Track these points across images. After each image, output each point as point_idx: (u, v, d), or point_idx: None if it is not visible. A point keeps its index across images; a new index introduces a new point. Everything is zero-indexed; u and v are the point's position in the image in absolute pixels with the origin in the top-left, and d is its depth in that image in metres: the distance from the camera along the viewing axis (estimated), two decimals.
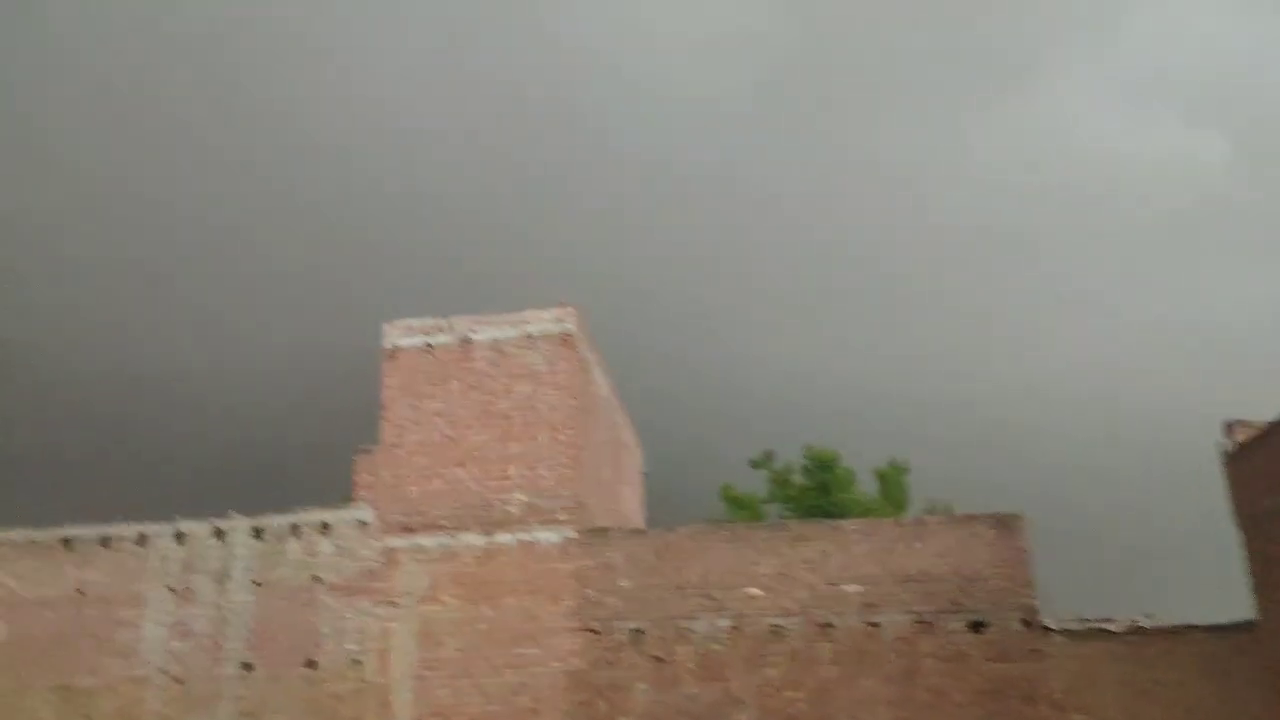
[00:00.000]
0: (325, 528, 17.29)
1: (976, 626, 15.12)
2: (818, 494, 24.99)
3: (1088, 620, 15.09)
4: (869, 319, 56.79)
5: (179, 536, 17.69)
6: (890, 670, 15.08)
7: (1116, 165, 55.95)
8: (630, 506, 22.94)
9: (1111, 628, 14.90)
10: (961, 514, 17.23)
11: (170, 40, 53.86)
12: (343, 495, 17.82)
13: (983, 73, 58.48)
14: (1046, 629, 14.96)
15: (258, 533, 17.47)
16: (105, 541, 17.85)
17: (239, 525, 17.59)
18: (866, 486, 26.25)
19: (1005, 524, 15.70)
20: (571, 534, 16.39)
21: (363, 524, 17.20)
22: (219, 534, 17.58)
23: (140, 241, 54.09)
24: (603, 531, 16.84)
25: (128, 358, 52.60)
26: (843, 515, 22.51)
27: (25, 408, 51.33)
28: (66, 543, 17.93)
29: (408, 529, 16.94)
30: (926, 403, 50.46)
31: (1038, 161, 57.40)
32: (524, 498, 16.74)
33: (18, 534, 18.16)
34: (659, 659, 15.57)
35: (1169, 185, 53.67)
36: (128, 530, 17.85)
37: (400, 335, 18.09)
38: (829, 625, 15.42)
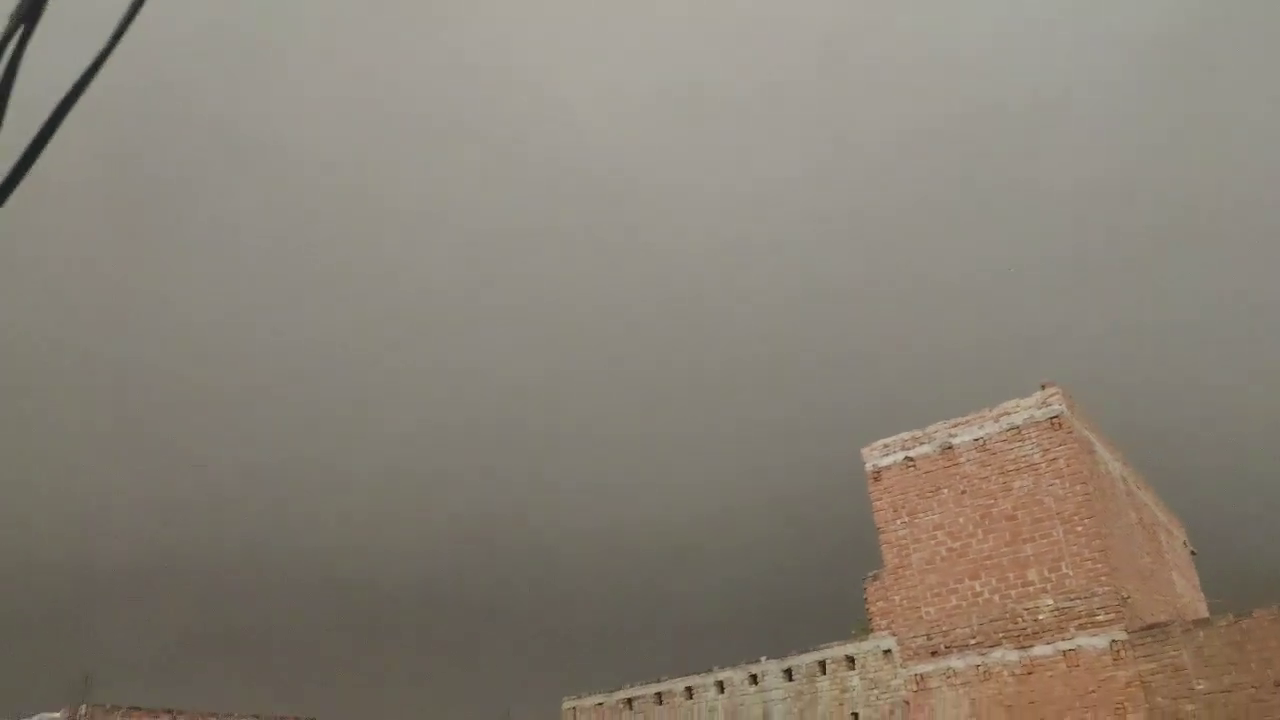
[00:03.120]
0: (851, 661, 17.14)
1: None
2: None
3: None
4: None
5: (720, 685, 18.64)
6: None
7: None
8: (1186, 594, 19.83)
9: None
10: None
11: None
12: (858, 624, 17.65)
13: None
14: None
15: (789, 674, 17.81)
16: (660, 698, 19.36)
17: (770, 669, 18.09)
18: None
19: None
20: (1120, 635, 14.46)
21: (887, 653, 16.78)
22: (754, 679, 18.22)
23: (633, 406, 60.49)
24: (1159, 627, 14.63)
25: (630, 526, 58.42)
26: None
27: (576, 588, 58.92)
28: (629, 703, 19.77)
29: (934, 652, 16.17)
30: None
31: None
32: (1053, 602, 15.22)
33: (590, 699, 20.42)
34: None
35: None
36: (676, 685, 19.22)
37: (880, 455, 17.93)
38: None
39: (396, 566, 58.42)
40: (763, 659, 18.19)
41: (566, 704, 20.77)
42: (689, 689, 18.96)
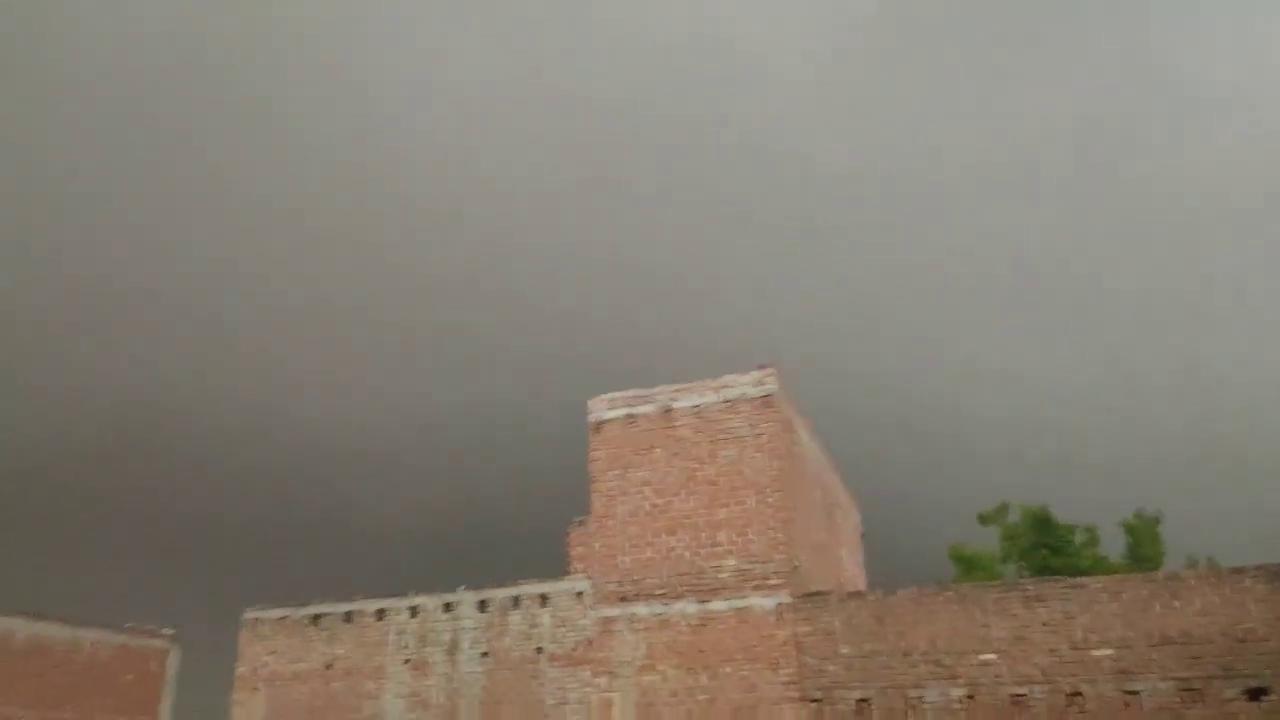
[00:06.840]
0: (544, 600, 17.69)
1: (1255, 694, 13.29)
2: (1049, 553, 23.05)
3: None
4: (1071, 332, 52.89)
5: (413, 610, 18.64)
6: None
7: None
8: (850, 569, 22.06)
9: None
10: (1227, 568, 15.28)
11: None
12: (561, 567, 18.22)
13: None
14: None
15: (483, 605, 18.12)
16: (349, 617, 19.09)
17: (466, 599, 18.32)
18: (1114, 543, 24.01)
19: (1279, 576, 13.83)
20: (786, 599, 15.91)
21: (579, 595, 17.46)
22: (448, 607, 18.38)
23: (367, 330, 58.37)
24: (819, 595, 16.23)
25: (355, 437, 56.69)
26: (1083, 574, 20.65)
27: (255, 486, 56.13)
28: (315, 620, 19.33)
29: (622, 598, 17.03)
30: (1170, 445, 46.07)
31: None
32: (735, 563, 16.46)
33: (274, 613, 19.76)
34: None
35: None
36: (368, 606, 19.01)
37: (604, 409, 18.45)
38: (1077, 694, 14.03)
39: (39, 455, 52.26)
40: (460, 589, 18.38)
41: (249, 614, 19.97)
42: (380, 611, 18.82)
